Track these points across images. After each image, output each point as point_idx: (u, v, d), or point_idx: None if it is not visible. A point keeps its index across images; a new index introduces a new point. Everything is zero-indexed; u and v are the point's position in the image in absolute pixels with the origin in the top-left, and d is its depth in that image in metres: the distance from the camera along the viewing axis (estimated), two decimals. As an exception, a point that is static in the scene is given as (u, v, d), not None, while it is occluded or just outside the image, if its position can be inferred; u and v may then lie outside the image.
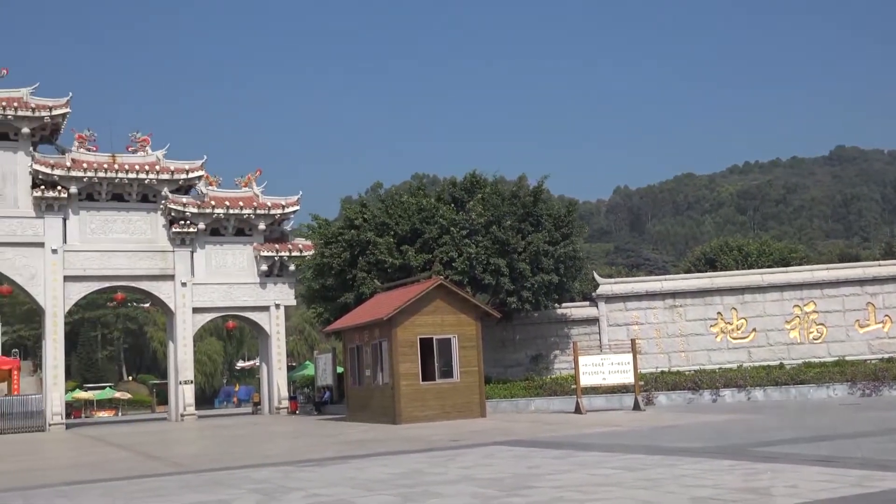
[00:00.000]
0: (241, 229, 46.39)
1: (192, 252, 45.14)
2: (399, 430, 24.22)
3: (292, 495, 11.15)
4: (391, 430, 24.83)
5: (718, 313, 37.56)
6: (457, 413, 27.55)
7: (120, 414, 76.31)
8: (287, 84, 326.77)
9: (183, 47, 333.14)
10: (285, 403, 45.38)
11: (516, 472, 12.30)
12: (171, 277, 44.50)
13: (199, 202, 44.76)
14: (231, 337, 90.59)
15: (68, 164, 42.53)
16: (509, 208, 35.09)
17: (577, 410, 27.15)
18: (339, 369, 39.85)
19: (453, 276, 32.54)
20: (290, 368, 52.04)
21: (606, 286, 38.90)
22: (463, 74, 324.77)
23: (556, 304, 37.28)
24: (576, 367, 28.03)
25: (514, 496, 10.01)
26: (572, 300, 38.75)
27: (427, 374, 27.94)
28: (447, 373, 28.09)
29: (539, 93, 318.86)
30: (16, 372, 46.23)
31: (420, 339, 27.86)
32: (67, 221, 42.82)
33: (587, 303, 38.92)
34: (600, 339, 37.63)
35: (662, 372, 33.92)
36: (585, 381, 27.92)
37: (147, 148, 45.05)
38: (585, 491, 10.11)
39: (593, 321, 38.35)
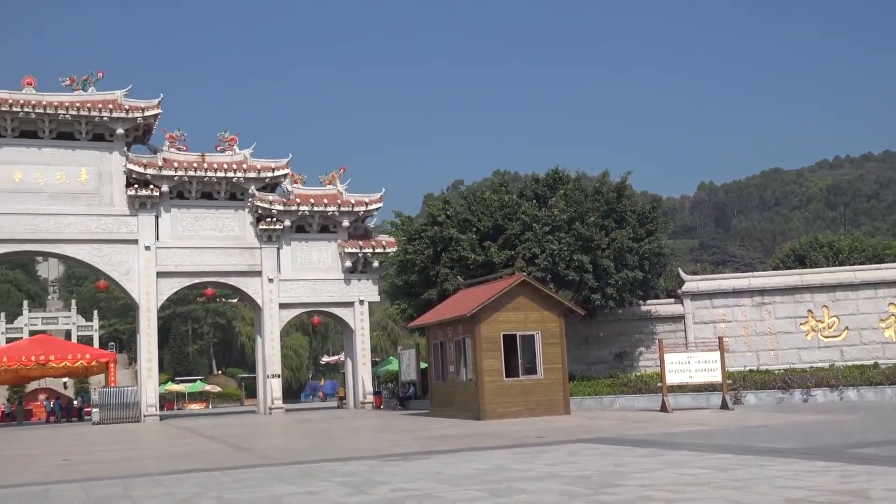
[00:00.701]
0: (325, 226, 47.07)
1: (279, 249, 46.02)
2: (483, 426, 24.29)
3: (379, 489, 11.31)
4: (475, 425, 24.92)
5: (809, 311, 36.58)
6: (541, 410, 27.48)
7: (210, 406, 78.32)
8: (369, 83, 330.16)
9: (266, 46, 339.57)
10: (370, 398, 45.90)
11: (603, 470, 12.22)
12: (259, 273, 45.48)
13: (284, 200, 45.60)
14: (316, 332, 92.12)
15: (160, 163, 43.82)
16: (592, 204, 34.80)
17: (663, 409, 26.79)
18: (423, 365, 40.16)
19: (536, 272, 32.46)
20: (374, 364, 52.59)
21: (692, 283, 38.25)
22: (544, 73, 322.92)
23: (641, 301, 36.91)
24: (661, 365, 27.67)
25: (601, 494, 9.96)
26: (657, 297, 38.25)
27: (510, 371, 27.92)
28: (531, 369, 28.02)
29: (621, 89, 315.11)
30: (112, 364, 47.83)
31: (503, 335, 27.84)
32: (159, 219, 44.14)
33: (672, 300, 38.35)
34: (686, 337, 37.06)
35: (751, 371, 33.21)
36: (671, 379, 27.53)
37: (234, 147, 46.08)
38: (674, 490, 9.99)
39: (678, 318, 37.77)
